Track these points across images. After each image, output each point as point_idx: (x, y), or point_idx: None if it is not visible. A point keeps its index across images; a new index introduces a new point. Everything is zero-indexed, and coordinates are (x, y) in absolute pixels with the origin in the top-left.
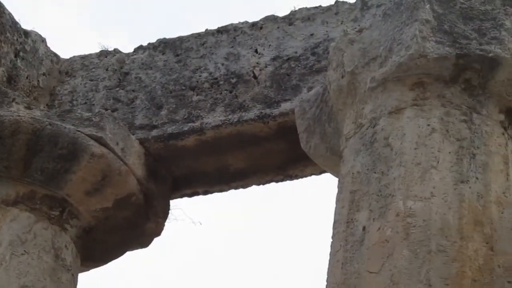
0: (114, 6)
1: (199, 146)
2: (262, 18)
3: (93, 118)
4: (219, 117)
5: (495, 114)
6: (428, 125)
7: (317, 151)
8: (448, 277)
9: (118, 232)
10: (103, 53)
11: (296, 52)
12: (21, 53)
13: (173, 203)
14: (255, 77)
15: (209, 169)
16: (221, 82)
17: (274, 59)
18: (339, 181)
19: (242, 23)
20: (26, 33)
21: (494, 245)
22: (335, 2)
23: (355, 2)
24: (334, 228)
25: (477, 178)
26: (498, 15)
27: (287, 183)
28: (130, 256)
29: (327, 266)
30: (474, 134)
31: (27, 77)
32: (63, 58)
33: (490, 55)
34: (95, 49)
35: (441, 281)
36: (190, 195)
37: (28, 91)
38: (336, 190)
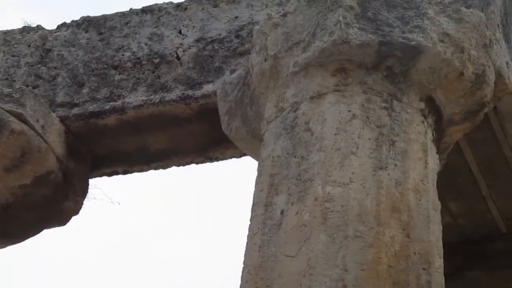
0: None
1: (120, 126)
2: None
3: (14, 94)
4: (140, 97)
5: (416, 102)
6: (349, 111)
7: (238, 134)
8: (364, 262)
9: (36, 210)
10: (26, 29)
11: (220, 34)
12: None
13: (93, 182)
14: (178, 58)
15: (130, 149)
16: (144, 62)
17: (197, 40)
18: (259, 164)
19: (167, 3)
20: None
21: (410, 232)
22: None
23: None
24: (252, 211)
25: (395, 165)
26: (421, 4)
27: (208, 165)
28: (48, 234)
29: (244, 249)
30: (394, 121)
31: None
32: None
33: (412, 43)
34: (18, 25)
35: (357, 266)
36: (110, 174)
37: None
38: (256, 173)
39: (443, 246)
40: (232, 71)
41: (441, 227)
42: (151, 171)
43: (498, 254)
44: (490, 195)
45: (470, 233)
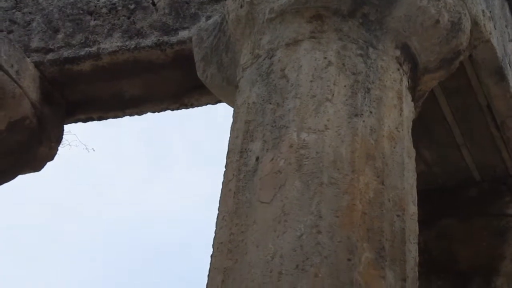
0: None
1: (95, 71)
2: None
3: None
4: (116, 42)
5: (391, 50)
6: (325, 58)
7: (214, 80)
8: (339, 209)
9: (10, 155)
10: None
11: None
12: None
13: (67, 128)
14: (153, 3)
15: (104, 95)
16: (119, 8)
17: None
18: (234, 111)
19: None
20: None
21: (384, 179)
22: None
23: None
24: (227, 157)
25: (370, 112)
26: None
27: (183, 111)
28: (22, 180)
29: (219, 195)
30: (370, 68)
31: None
32: None
33: None
34: None
35: (332, 213)
36: (85, 120)
37: None
38: (231, 120)
39: (417, 193)
40: (208, 18)
41: (415, 174)
42: (126, 117)
43: (472, 202)
44: (465, 144)
45: (444, 181)
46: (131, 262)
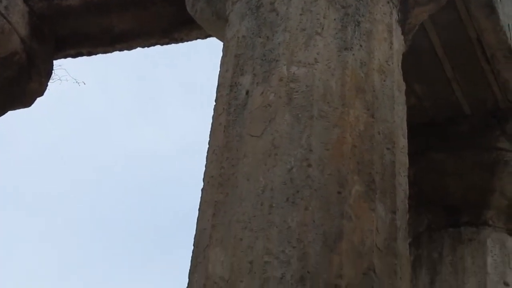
0: None
1: (84, 6)
2: None
3: None
4: None
5: None
6: None
7: (203, 14)
8: (329, 142)
9: (0, 91)
10: None
11: None
12: None
13: (57, 63)
14: None
15: (94, 30)
16: None
17: None
18: (224, 45)
19: None
20: None
21: (375, 112)
22: None
23: None
24: (217, 91)
25: (360, 46)
26: None
27: (173, 46)
28: (13, 115)
29: (210, 129)
30: (360, 1)
31: None
32: None
33: None
34: None
35: (322, 146)
36: (74, 55)
37: None
38: (221, 54)
39: (407, 127)
40: None
41: (405, 107)
42: (116, 53)
43: (462, 136)
44: (455, 77)
45: (434, 115)
46: (122, 201)
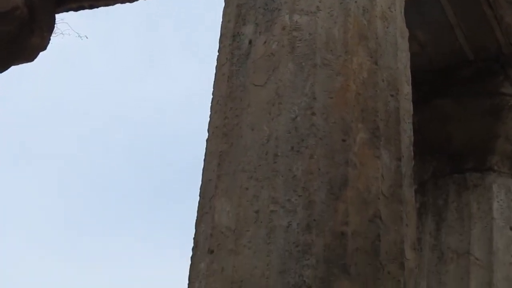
0: None
1: None
2: None
3: None
4: None
5: None
6: None
7: None
8: (333, 90)
9: (2, 47)
10: None
11: None
12: None
13: (59, 17)
14: None
15: None
16: None
17: None
18: None
19: None
20: None
21: (378, 59)
22: None
23: None
24: (220, 42)
25: None
26: None
27: None
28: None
29: (213, 80)
30: None
31: None
32: None
33: None
34: None
35: (326, 94)
36: (76, 9)
37: None
38: (223, 4)
39: (411, 75)
40: None
41: (408, 54)
42: (118, 5)
43: (465, 82)
44: (458, 23)
45: (438, 62)
46: (127, 155)
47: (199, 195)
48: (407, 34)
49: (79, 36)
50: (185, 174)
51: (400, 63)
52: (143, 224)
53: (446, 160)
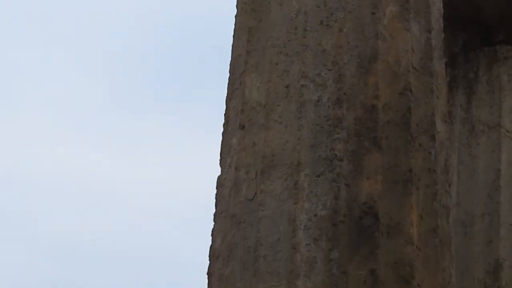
0: None
1: None
2: None
3: None
4: None
5: None
6: None
7: None
8: None
9: None
10: None
11: None
12: None
13: None
14: None
15: None
16: None
17: None
18: None
19: None
20: None
21: None
22: None
23: None
24: None
25: None
26: None
27: None
28: None
29: None
30: None
31: None
32: None
33: None
34: None
35: None
36: None
37: None
38: None
39: None
40: None
41: None
42: None
43: None
44: None
45: None
46: (159, 36)
47: (229, 71)
48: None
49: None
50: (214, 54)
51: None
52: (174, 103)
53: (476, 32)
